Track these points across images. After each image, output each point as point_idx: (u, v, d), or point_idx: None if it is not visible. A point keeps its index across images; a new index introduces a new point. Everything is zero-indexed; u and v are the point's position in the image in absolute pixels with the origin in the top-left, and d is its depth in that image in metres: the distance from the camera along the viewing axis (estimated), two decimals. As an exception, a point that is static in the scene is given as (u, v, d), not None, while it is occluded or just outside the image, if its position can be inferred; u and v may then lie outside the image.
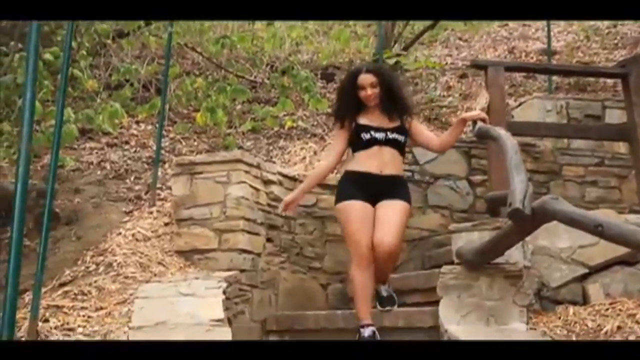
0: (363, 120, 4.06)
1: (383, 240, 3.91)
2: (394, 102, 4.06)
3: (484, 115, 4.11)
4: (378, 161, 3.99)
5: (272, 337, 4.85)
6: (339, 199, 4.06)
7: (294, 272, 5.32)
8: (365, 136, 4.00)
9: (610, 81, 7.55)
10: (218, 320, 3.73)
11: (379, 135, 4.00)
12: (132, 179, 5.83)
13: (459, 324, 4.13)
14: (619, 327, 3.87)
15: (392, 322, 4.47)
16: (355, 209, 3.95)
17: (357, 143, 4.06)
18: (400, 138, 4.06)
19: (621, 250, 4.30)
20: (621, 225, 2.90)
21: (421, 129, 4.24)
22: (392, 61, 8.26)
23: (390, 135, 4.02)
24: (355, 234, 3.93)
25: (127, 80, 7.27)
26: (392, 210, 3.96)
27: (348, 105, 4.11)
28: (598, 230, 2.86)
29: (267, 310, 4.95)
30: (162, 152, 6.15)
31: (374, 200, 4.00)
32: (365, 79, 4.03)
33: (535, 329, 4.08)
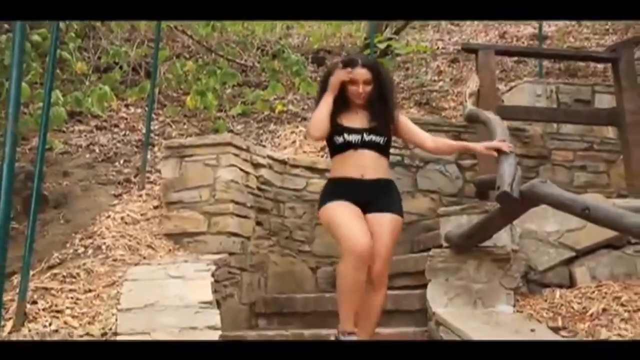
0: (340, 120, 3.52)
1: (371, 269, 3.34)
2: (384, 103, 3.56)
3: (499, 145, 3.61)
4: (356, 165, 3.46)
5: (261, 320, 4.87)
6: (322, 203, 3.48)
7: (284, 255, 5.33)
8: (339, 139, 3.49)
9: (600, 66, 7.57)
10: (207, 303, 3.73)
11: (353, 138, 3.47)
12: (121, 162, 5.81)
13: (446, 307, 4.16)
14: (604, 310, 3.92)
15: (380, 305, 4.50)
16: (342, 205, 3.39)
17: (332, 146, 3.56)
18: (379, 139, 3.51)
19: (608, 234, 4.34)
20: (608, 208, 2.92)
21: (411, 127, 3.68)
22: (383, 45, 8.26)
23: (367, 137, 3.48)
24: (347, 225, 3.31)
25: (117, 63, 7.24)
26: (380, 230, 3.39)
27: (336, 97, 3.57)
28: (585, 213, 2.88)
29: (256, 293, 4.97)
30: (152, 135, 6.13)
31: (361, 208, 3.44)
32: (360, 74, 3.48)
33: (521, 312, 4.11)
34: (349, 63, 3.52)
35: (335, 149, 3.52)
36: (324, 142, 6.51)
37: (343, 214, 3.35)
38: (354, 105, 3.54)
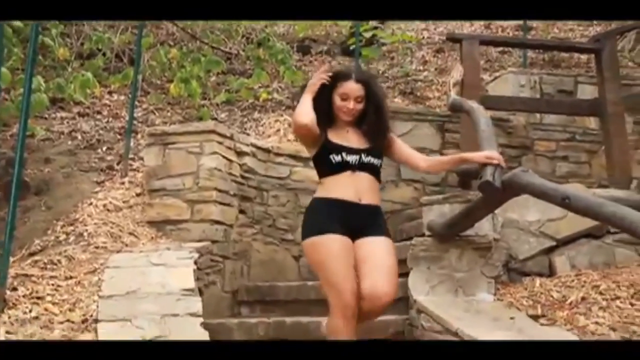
0: (333, 137, 3.21)
1: (377, 289, 3.02)
2: (377, 122, 3.26)
3: (491, 159, 3.31)
4: (353, 188, 3.15)
5: (243, 308, 4.88)
6: (309, 232, 3.12)
7: (267, 243, 5.33)
8: (336, 158, 3.15)
9: (584, 57, 7.61)
10: (189, 290, 3.74)
11: (352, 159, 3.16)
12: (104, 149, 5.78)
13: (427, 295, 4.19)
14: (583, 298, 3.96)
15: (363, 293, 4.52)
16: (334, 244, 3.05)
17: (324, 165, 3.20)
18: (377, 162, 3.24)
19: (588, 224, 4.39)
20: (588, 198, 2.95)
21: (403, 148, 3.38)
22: (368, 34, 8.24)
23: (365, 159, 3.19)
24: (337, 276, 3.01)
25: (100, 50, 7.18)
26: (381, 251, 3.13)
27: (324, 110, 3.21)
28: (565, 202, 2.90)
29: (238, 281, 4.97)
30: (135, 122, 6.09)
31: (351, 236, 3.13)
32: (353, 89, 3.20)
33: (502, 300, 4.15)
34: (342, 76, 3.24)
35: (330, 168, 3.17)
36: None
37: (337, 260, 3.02)
38: (341, 122, 3.25)
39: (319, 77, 3.22)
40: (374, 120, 3.25)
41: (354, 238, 3.12)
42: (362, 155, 3.18)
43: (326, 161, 3.18)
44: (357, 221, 3.13)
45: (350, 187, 3.15)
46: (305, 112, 3.11)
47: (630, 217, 2.80)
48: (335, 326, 3.04)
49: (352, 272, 3.04)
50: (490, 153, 3.33)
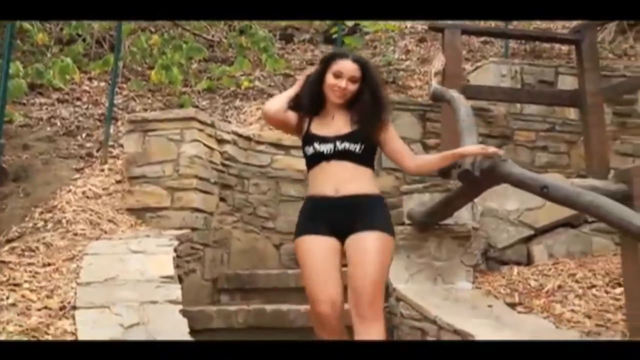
0: (314, 126, 2.98)
1: (360, 299, 2.70)
2: (371, 105, 2.95)
3: (485, 151, 3.14)
4: (329, 180, 2.87)
5: (223, 296, 4.88)
6: (295, 234, 2.92)
7: (247, 231, 5.33)
8: (309, 150, 2.93)
9: (565, 48, 7.65)
10: (168, 277, 3.73)
11: (324, 148, 2.89)
12: (83, 135, 5.73)
13: (407, 283, 4.21)
14: (559, 286, 4.01)
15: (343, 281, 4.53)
16: (310, 247, 2.80)
17: (305, 158, 3.00)
18: (354, 147, 2.89)
19: (566, 213, 4.42)
20: (566, 187, 2.98)
21: (393, 138, 3.01)
22: (351, 23, 8.23)
23: (340, 146, 2.89)
24: (310, 283, 2.75)
25: (80, 35, 7.10)
26: (363, 254, 2.74)
27: (313, 93, 2.98)
28: (544, 191, 2.93)
29: (219, 269, 4.97)
30: (115, 109, 6.05)
31: (340, 233, 2.82)
32: (348, 68, 2.91)
33: (480, 288, 4.19)
34: (338, 55, 2.99)
35: (308, 161, 2.97)
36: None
37: (312, 266, 2.75)
38: (331, 107, 2.97)
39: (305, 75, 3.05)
40: (368, 103, 2.93)
41: (343, 235, 2.80)
42: (337, 143, 2.89)
43: (304, 154, 2.97)
44: (337, 217, 2.81)
45: (327, 180, 2.88)
46: (272, 101, 3.01)
47: (606, 206, 2.84)
48: (315, 332, 2.81)
49: (332, 277, 2.72)
50: (484, 146, 3.16)
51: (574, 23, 6.28)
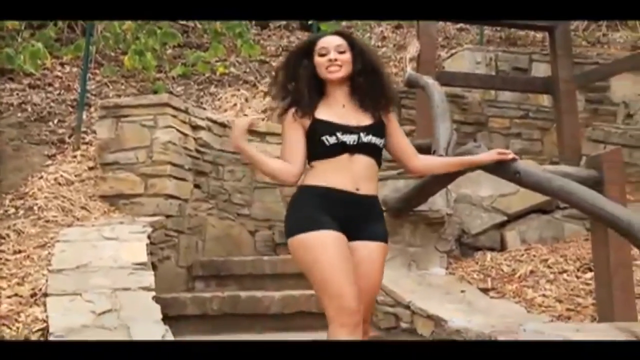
0: (323, 114, 2.62)
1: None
2: (371, 85, 2.65)
3: (503, 156, 2.89)
4: (350, 175, 2.58)
5: (198, 283, 4.86)
6: (297, 228, 2.55)
7: (222, 218, 5.30)
8: (329, 139, 2.57)
9: (539, 36, 7.69)
10: (141, 264, 3.71)
11: (349, 139, 2.58)
12: (55, 121, 5.64)
13: (381, 269, 4.23)
14: (531, 272, 4.06)
15: (317, 267, 4.54)
16: (329, 242, 2.49)
17: (315, 148, 2.61)
18: (379, 141, 2.63)
19: (538, 199, 4.48)
20: (537, 172, 3.01)
21: (397, 130, 2.74)
22: (327, 9, 8.19)
23: (365, 138, 2.60)
24: (336, 279, 2.47)
25: (52, 20, 6.98)
26: (372, 264, 2.59)
27: (303, 85, 2.63)
28: (516, 177, 2.95)
29: (193, 256, 4.94)
30: (88, 95, 5.97)
31: (349, 231, 2.57)
32: (331, 40, 2.62)
33: (454, 274, 4.22)
34: (317, 36, 2.70)
35: (323, 151, 2.58)
36: (265, 105, 6.46)
37: (334, 262, 2.47)
38: (335, 94, 2.64)
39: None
40: (361, 81, 2.62)
41: (350, 234, 2.56)
42: (361, 135, 2.59)
43: (317, 144, 2.58)
44: (352, 215, 2.57)
45: (346, 174, 2.57)
46: (278, 169, 2.58)
47: (577, 192, 2.88)
48: (336, 336, 2.46)
49: (352, 275, 2.48)
50: (501, 150, 2.94)
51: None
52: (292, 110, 2.60)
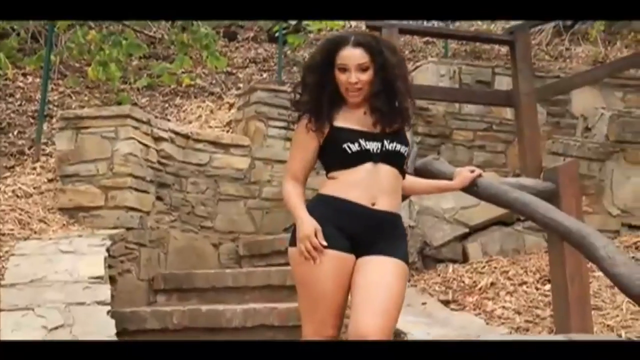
0: (343, 121, 2.47)
1: (360, 329, 2.27)
2: (393, 98, 2.46)
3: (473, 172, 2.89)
4: (370, 187, 2.41)
5: (160, 296, 4.80)
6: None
7: (185, 231, 5.25)
8: (352, 147, 2.41)
9: (503, 49, 7.80)
10: (97, 278, 3.65)
11: (373, 146, 2.42)
12: (15, 133, 5.57)
13: (343, 281, 4.21)
14: (492, 283, 4.09)
15: (280, 280, 4.53)
16: (329, 265, 2.35)
17: (335, 157, 2.45)
18: (404, 149, 2.49)
19: (500, 211, 4.51)
20: (495, 185, 3.04)
21: None
22: (294, 21, 8.21)
23: (389, 146, 2.44)
24: (317, 303, 2.37)
25: (14, 29, 6.90)
26: (385, 279, 2.35)
27: (324, 94, 2.47)
28: (474, 190, 2.98)
29: (155, 269, 4.89)
30: (50, 106, 5.90)
31: (356, 247, 2.40)
32: (352, 56, 2.43)
33: (415, 286, 4.23)
34: (338, 42, 2.48)
35: (345, 161, 2.42)
36: (230, 117, 6.43)
37: (324, 282, 2.34)
38: (349, 102, 2.49)
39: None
40: (381, 94, 2.44)
41: (358, 253, 2.40)
42: (385, 142, 2.43)
43: (339, 152, 2.42)
44: (365, 231, 2.39)
45: (366, 186, 2.40)
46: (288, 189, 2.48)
47: (531, 204, 2.91)
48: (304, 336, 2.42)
49: (343, 304, 2.38)
50: (469, 169, 2.93)
51: (511, 23, 6.42)
52: (306, 119, 2.46)
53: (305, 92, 2.50)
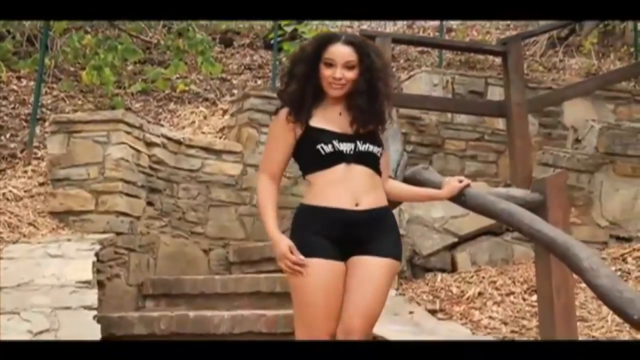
0: (318, 121, 2.51)
1: (352, 325, 2.39)
2: (374, 100, 2.51)
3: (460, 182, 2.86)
4: (349, 189, 2.45)
5: (149, 302, 4.80)
6: None
7: (175, 236, 5.25)
8: (325, 148, 2.46)
9: (498, 60, 7.84)
10: (85, 282, 3.65)
11: (346, 147, 2.47)
12: (7, 136, 5.56)
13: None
14: (480, 293, 4.10)
15: (269, 287, 4.53)
16: (317, 273, 2.39)
17: (309, 158, 2.51)
18: (376, 150, 2.53)
19: (489, 221, 4.52)
20: (483, 195, 3.05)
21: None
22: (290, 28, 8.25)
23: (362, 147, 2.49)
24: (308, 311, 2.42)
25: (9, 32, 6.91)
26: (372, 279, 2.43)
27: (308, 87, 2.51)
28: (462, 200, 2.99)
29: (144, 274, 4.88)
30: (44, 110, 5.91)
31: (346, 251, 2.46)
32: (341, 53, 2.48)
33: (403, 295, 4.24)
34: (328, 39, 2.54)
35: (317, 162, 2.47)
36: (224, 124, 6.44)
37: (316, 292, 2.39)
38: (332, 101, 2.54)
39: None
40: (363, 95, 2.49)
41: (348, 255, 2.46)
42: (358, 143, 2.48)
43: (312, 153, 2.47)
44: (352, 234, 2.44)
45: (345, 188, 2.44)
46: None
47: (517, 214, 2.92)
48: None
49: (334, 309, 2.41)
50: (457, 179, 2.88)
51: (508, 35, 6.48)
52: (286, 111, 2.51)
53: (292, 82, 2.53)
